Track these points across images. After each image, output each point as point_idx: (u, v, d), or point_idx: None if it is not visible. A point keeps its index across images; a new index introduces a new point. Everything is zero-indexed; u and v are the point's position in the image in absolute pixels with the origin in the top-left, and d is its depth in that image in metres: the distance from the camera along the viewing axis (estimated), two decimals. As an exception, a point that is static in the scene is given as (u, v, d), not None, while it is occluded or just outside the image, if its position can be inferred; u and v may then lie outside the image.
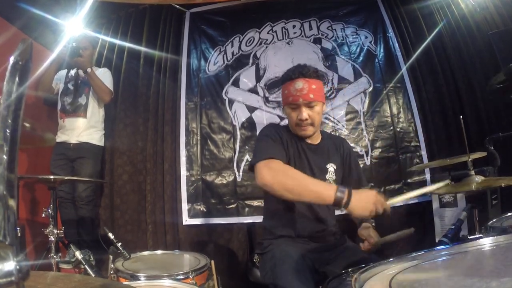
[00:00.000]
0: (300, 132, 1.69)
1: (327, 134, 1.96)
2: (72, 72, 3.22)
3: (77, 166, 3.12)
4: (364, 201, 1.31)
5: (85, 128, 3.17)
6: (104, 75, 3.25)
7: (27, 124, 1.39)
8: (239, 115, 3.49)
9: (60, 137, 3.14)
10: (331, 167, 1.76)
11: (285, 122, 1.90)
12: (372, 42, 3.66)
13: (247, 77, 3.59)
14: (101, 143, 3.31)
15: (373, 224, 1.69)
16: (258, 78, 3.57)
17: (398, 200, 1.50)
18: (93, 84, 3.13)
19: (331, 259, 1.63)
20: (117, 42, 3.70)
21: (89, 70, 3.05)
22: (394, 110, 3.46)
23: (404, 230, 1.48)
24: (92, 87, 3.15)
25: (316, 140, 1.79)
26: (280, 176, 1.42)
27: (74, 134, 3.12)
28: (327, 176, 1.75)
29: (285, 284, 1.41)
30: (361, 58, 3.61)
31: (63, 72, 3.29)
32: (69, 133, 3.12)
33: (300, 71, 1.66)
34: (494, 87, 2.45)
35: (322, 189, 1.36)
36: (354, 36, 3.69)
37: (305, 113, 1.63)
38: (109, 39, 3.71)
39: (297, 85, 1.62)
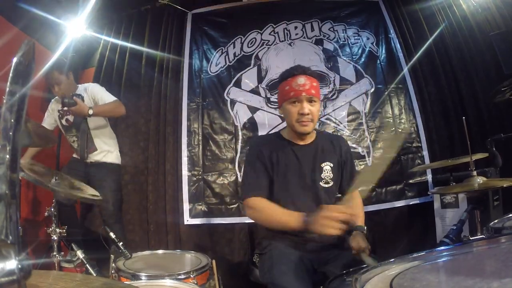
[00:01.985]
0: (300, 128, 1.67)
1: (324, 133, 1.96)
2: (59, 107, 3.02)
3: (95, 184, 2.92)
4: (320, 222, 1.40)
5: (98, 153, 3.07)
6: (97, 93, 3.01)
7: (29, 124, 1.39)
8: (240, 115, 3.50)
9: (76, 155, 3.06)
10: (326, 166, 1.76)
11: (286, 123, 1.89)
12: (374, 43, 3.66)
13: (249, 78, 3.59)
14: (118, 161, 3.21)
15: (364, 231, 1.64)
16: (260, 79, 3.57)
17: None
18: (102, 115, 3.01)
19: (330, 259, 1.63)
20: (119, 43, 3.71)
21: (90, 112, 2.78)
22: (396, 111, 3.46)
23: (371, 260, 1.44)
24: (104, 116, 3.04)
25: (309, 140, 1.79)
26: (258, 215, 1.68)
27: (89, 158, 3.01)
28: (323, 175, 1.74)
29: (282, 284, 1.42)
30: (362, 59, 3.61)
31: (55, 107, 3.08)
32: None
33: (301, 69, 1.69)
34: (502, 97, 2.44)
35: (290, 220, 1.54)
36: (355, 37, 3.69)
37: (307, 108, 1.64)
38: (111, 40, 3.72)
39: (299, 80, 1.64)
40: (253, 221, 1.77)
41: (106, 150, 3.10)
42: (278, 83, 1.77)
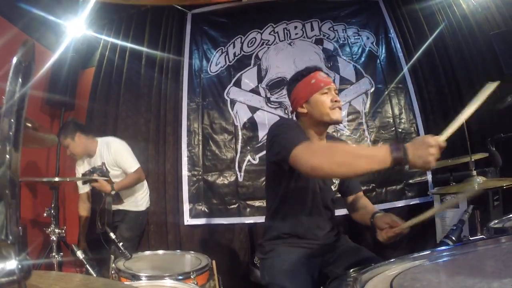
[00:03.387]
0: (335, 115, 1.61)
1: (331, 136, 1.95)
2: (85, 167, 2.97)
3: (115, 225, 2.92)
4: (421, 150, 1.16)
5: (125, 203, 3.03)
6: (120, 157, 2.90)
7: (29, 124, 1.39)
8: (240, 115, 3.50)
9: None
10: None
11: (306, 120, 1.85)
12: (374, 43, 3.66)
13: (249, 78, 3.59)
14: (142, 208, 3.09)
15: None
16: (260, 78, 3.57)
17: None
18: (126, 188, 2.93)
19: (332, 259, 1.63)
20: (119, 43, 3.71)
21: (113, 192, 2.65)
22: (396, 111, 3.46)
23: (446, 202, 1.28)
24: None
25: (323, 138, 1.76)
26: (327, 153, 1.29)
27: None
28: (334, 179, 1.74)
29: None
30: (362, 59, 3.61)
31: (79, 169, 3.02)
32: None
33: (318, 67, 1.72)
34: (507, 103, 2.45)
35: (375, 153, 1.23)
36: (355, 37, 3.69)
37: (338, 97, 1.64)
38: (111, 40, 3.72)
39: (322, 74, 1.68)
40: (316, 169, 1.28)
41: (132, 202, 3.04)
42: (295, 82, 1.71)
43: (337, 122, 1.67)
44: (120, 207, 2.98)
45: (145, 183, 3.14)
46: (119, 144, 2.96)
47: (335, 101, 1.61)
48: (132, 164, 2.91)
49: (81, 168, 2.98)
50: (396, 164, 1.17)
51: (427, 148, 1.15)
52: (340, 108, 1.63)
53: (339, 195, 1.88)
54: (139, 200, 3.07)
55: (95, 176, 2.62)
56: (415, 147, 1.17)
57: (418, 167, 1.18)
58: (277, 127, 1.62)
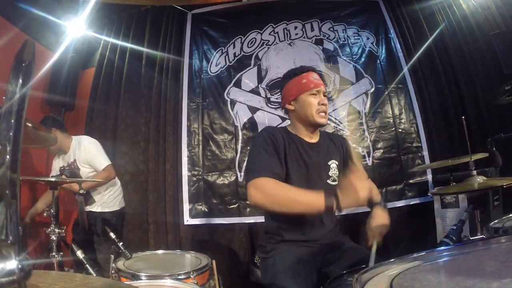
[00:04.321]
0: (319, 119, 1.68)
1: (325, 133, 1.96)
2: (60, 162, 2.98)
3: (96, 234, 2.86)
4: (352, 195, 1.28)
5: (95, 206, 3.00)
6: (92, 156, 2.92)
7: (29, 124, 1.39)
8: (240, 115, 3.50)
9: None
10: (333, 164, 1.76)
11: (287, 123, 1.89)
12: (374, 43, 3.66)
13: (249, 78, 3.60)
14: (115, 207, 3.06)
15: (386, 206, 1.64)
16: (260, 79, 3.57)
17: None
18: (95, 186, 2.93)
19: (333, 259, 1.63)
20: (119, 43, 3.71)
21: (81, 191, 2.50)
22: (396, 111, 3.46)
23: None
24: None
25: (316, 138, 1.79)
26: (269, 195, 1.43)
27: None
28: (330, 173, 1.74)
29: None
30: (362, 59, 3.61)
31: (56, 167, 3.01)
32: None
33: (312, 68, 1.76)
34: (503, 99, 2.45)
35: (312, 201, 1.36)
36: (355, 37, 3.69)
37: (325, 99, 1.70)
38: (111, 40, 3.72)
39: (314, 76, 1.72)
40: (258, 206, 1.46)
41: (104, 202, 3.01)
42: (288, 79, 1.76)
43: (321, 126, 1.74)
44: (94, 208, 2.95)
45: (117, 182, 3.11)
46: (90, 142, 2.98)
47: (322, 104, 1.67)
48: (102, 162, 2.92)
49: (57, 164, 3.01)
50: (328, 211, 1.32)
51: (356, 195, 1.27)
52: (325, 113, 1.69)
53: None
54: (110, 201, 3.02)
55: (63, 177, 2.65)
56: (346, 192, 1.30)
57: (350, 208, 1.34)
58: (253, 144, 1.75)
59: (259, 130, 3.42)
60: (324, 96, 1.70)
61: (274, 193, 1.44)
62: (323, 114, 1.68)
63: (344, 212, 1.49)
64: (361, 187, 1.28)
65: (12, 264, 0.39)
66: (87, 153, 2.92)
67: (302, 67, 1.77)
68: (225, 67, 3.66)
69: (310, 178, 1.68)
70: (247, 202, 3.27)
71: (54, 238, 2.02)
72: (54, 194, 2.16)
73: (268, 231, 1.78)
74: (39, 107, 3.51)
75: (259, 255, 1.80)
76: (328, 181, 1.73)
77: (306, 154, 1.70)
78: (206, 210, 3.31)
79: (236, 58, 3.67)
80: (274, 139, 1.67)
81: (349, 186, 1.29)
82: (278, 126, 3.22)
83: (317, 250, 1.64)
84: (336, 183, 1.74)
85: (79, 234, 2.85)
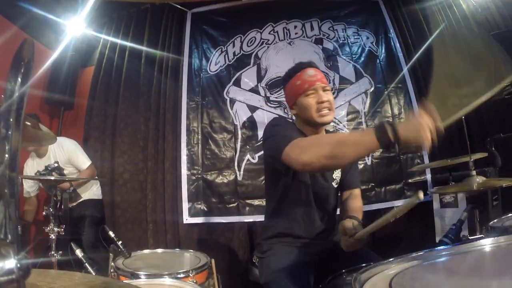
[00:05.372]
0: (321, 119, 1.57)
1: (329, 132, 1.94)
2: (38, 166, 2.97)
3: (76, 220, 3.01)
4: (413, 128, 1.10)
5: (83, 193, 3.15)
6: (73, 155, 3.04)
7: (28, 123, 1.39)
8: (240, 114, 3.49)
9: None
10: None
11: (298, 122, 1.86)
12: (374, 43, 3.66)
13: (248, 77, 3.59)
14: (97, 197, 3.26)
15: (360, 222, 1.50)
16: (260, 78, 3.57)
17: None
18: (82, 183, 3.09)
19: (331, 258, 1.63)
20: (119, 41, 3.70)
21: (71, 189, 2.67)
22: (396, 111, 3.46)
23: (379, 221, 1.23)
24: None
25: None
26: (314, 148, 1.26)
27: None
28: (334, 175, 1.72)
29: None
30: (362, 59, 3.61)
31: (31, 169, 3.01)
32: None
33: (308, 63, 1.67)
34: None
35: (362, 138, 1.20)
36: (355, 37, 3.69)
37: (325, 96, 1.57)
38: (110, 38, 3.72)
39: (309, 72, 1.61)
40: (306, 166, 1.29)
41: (88, 190, 3.17)
42: (284, 83, 1.70)
43: (326, 124, 1.63)
44: (80, 199, 3.07)
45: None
46: (71, 144, 3.09)
47: (321, 102, 1.56)
48: (84, 161, 3.08)
49: (30, 168, 3.00)
50: (386, 145, 1.12)
51: (419, 129, 1.08)
52: (329, 109, 1.57)
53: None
54: (95, 191, 3.23)
55: (54, 175, 2.68)
56: (406, 127, 1.11)
57: (411, 144, 1.12)
58: (269, 127, 1.63)
59: (258, 129, 3.42)
60: (325, 91, 1.59)
61: (318, 143, 1.30)
62: (326, 111, 1.56)
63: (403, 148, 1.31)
64: (426, 117, 1.09)
65: (11, 263, 0.39)
66: (70, 154, 3.03)
67: (294, 68, 1.68)
68: (224, 66, 3.65)
69: (315, 178, 1.65)
70: (246, 201, 3.28)
71: (53, 237, 2.02)
72: (53, 194, 2.15)
73: (265, 230, 1.78)
74: (38, 105, 3.50)
75: (256, 254, 1.80)
76: (333, 183, 1.71)
77: None
78: (205, 209, 3.31)
79: (235, 57, 3.67)
80: (292, 125, 1.66)
81: (413, 120, 1.11)
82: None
83: (314, 249, 1.64)
84: (338, 185, 1.73)
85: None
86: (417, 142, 1.09)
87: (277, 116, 3.41)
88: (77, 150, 3.09)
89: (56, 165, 2.82)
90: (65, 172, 2.90)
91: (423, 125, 1.07)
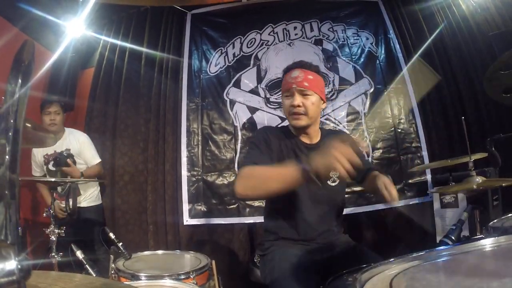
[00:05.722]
0: (292, 121, 1.63)
1: (329, 131, 1.93)
2: (47, 149, 2.96)
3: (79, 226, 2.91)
4: (324, 161, 1.17)
5: (83, 200, 3.05)
6: (86, 150, 3.06)
7: (28, 124, 1.39)
8: (240, 116, 3.50)
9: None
10: None
11: (286, 123, 1.89)
12: (373, 44, 3.66)
13: (248, 78, 3.60)
14: (99, 201, 3.21)
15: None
16: (259, 79, 3.57)
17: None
18: (91, 177, 3.05)
19: (333, 259, 1.62)
20: (119, 43, 3.71)
21: (81, 178, 2.85)
22: (395, 111, 3.46)
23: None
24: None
25: (315, 138, 1.74)
26: (246, 180, 1.42)
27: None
28: (330, 173, 1.72)
29: (285, 286, 1.41)
30: (362, 59, 3.61)
31: (39, 155, 3.01)
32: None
33: (299, 63, 1.68)
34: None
35: (284, 171, 1.29)
36: (355, 38, 3.69)
37: (298, 100, 1.59)
38: (110, 40, 3.72)
39: (293, 73, 1.63)
40: (240, 195, 1.40)
41: (88, 195, 3.10)
42: (280, 82, 1.75)
43: (298, 128, 1.66)
44: (81, 204, 2.98)
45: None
46: (84, 136, 3.13)
47: (292, 105, 1.59)
48: (95, 156, 3.10)
49: (39, 150, 2.98)
50: (307, 176, 1.20)
51: (330, 162, 1.15)
52: (300, 113, 1.60)
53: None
54: (95, 195, 3.15)
55: (69, 161, 2.79)
56: (318, 159, 1.19)
57: (322, 172, 1.19)
58: (249, 139, 1.71)
59: (258, 130, 3.42)
60: (304, 94, 1.60)
61: (249, 175, 1.42)
62: (296, 115, 1.60)
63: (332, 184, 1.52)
64: (337, 147, 1.15)
65: (11, 264, 0.39)
66: (83, 146, 3.03)
67: (291, 64, 1.70)
68: (224, 67, 3.66)
69: (309, 181, 1.66)
70: (247, 202, 3.27)
71: (54, 238, 2.02)
72: (53, 195, 2.15)
73: (266, 229, 1.78)
74: (38, 107, 3.50)
75: (258, 253, 1.80)
76: (329, 182, 1.71)
77: (304, 156, 1.65)
78: (206, 210, 3.31)
79: (235, 58, 3.67)
80: (268, 138, 1.66)
81: (326, 147, 1.18)
82: (279, 126, 3.22)
83: (315, 249, 1.64)
84: (336, 183, 1.73)
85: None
86: (329, 172, 1.18)
87: (277, 117, 3.42)
88: (90, 144, 3.12)
89: (68, 153, 2.87)
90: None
91: (335, 157, 1.14)
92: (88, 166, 3.04)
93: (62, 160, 2.78)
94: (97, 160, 3.11)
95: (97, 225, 3.07)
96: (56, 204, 2.71)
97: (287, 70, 1.69)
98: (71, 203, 2.58)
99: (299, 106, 1.59)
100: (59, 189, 2.83)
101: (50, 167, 2.95)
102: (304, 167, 1.20)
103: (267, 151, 1.61)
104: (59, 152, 2.87)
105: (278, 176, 1.32)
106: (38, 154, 2.98)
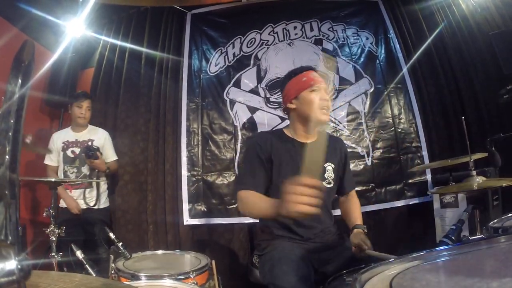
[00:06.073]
0: (323, 116, 1.66)
1: (325, 134, 1.94)
2: (68, 137, 3.03)
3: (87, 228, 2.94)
4: (281, 206, 1.20)
5: (93, 196, 3.02)
6: (108, 146, 3.14)
7: (27, 141, 1.39)
8: (240, 115, 3.50)
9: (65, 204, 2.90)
10: (329, 166, 1.76)
11: (286, 123, 1.89)
12: (373, 43, 3.66)
13: (248, 78, 3.60)
14: (107, 204, 3.17)
15: (365, 230, 1.71)
16: (259, 79, 3.57)
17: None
18: (113, 172, 3.20)
19: (330, 259, 1.63)
20: (119, 43, 3.71)
21: (107, 171, 3.02)
22: (395, 111, 3.46)
23: (385, 254, 1.45)
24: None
25: (312, 138, 1.77)
26: (243, 205, 1.60)
27: (81, 202, 2.95)
28: (326, 175, 1.74)
29: (283, 285, 1.41)
30: (362, 59, 3.61)
31: (59, 141, 3.01)
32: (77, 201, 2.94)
33: (312, 67, 1.77)
34: (502, 99, 2.46)
35: (267, 206, 1.40)
36: (355, 37, 3.69)
37: (327, 96, 1.68)
38: (110, 40, 3.72)
39: (315, 74, 1.72)
40: (243, 214, 1.72)
41: (98, 195, 3.06)
42: (288, 79, 1.77)
43: (322, 123, 1.72)
44: (90, 204, 2.98)
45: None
46: (107, 134, 3.19)
47: (324, 99, 1.65)
48: (114, 153, 3.19)
49: (59, 136, 3.02)
50: (279, 214, 1.25)
51: (287, 207, 1.15)
52: (327, 109, 1.67)
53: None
54: (105, 198, 3.13)
55: (98, 154, 2.87)
56: (279, 204, 1.22)
57: (287, 215, 1.19)
58: (243, 154, 1.76)
59: (258, 130, 3.42)
60: (327, 93, 1.69)
61: (247, 202, 1.59)
62: (326, 110, 1.67)
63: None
64: (289, 191, 1.15)
65: (11, 264, 0.39)
66: (105, 142, 3.12)
67: (302, 67, 1.77)
68: (224, 67, 3.66)
69: None
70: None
71: (54, 238, 2.02)
72: (53, 195, 2.15)
73: (263, 230, 1.79)
74: (38, 107, 3.50)
75: (256, 253, 1.80)
76: (324, 183, 1.72)
77: (299, 156, 1.66)
78: (206, 210, 3.31)
79: (235, 58, 3.67)
80: (259, 148, 1.70)
81: (287, 191, 1.16)
82: (274, 129, 3.23)
83: (312, 248, 1.65)
84: (330, 186, 1.75)
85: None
86: (286, 211, 1.16)
87: (277, 117, 3.41)
88: (111, 141, 3.19)
89: (96, 146, 2.94)
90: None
91: (292, 201, 1.13)
92: (106, 162, 3.07)
93: (93, 153, 2.84)
94: (115, 157, 3.19)
95: (106, 223, 3.07)
96: (70, 199, 2.83)
97: (303, 70, 1.75)
98: (95, 195, 2.94)
99: (328, 101, 1.68)
100: (73, 175, 2.94)
101: (69, 153, 2.98)
102: (278, 209, 1.24)
103: (259, 164, 1.68)
104: (88, 146, 2.92)
105: (264, 209, 1.44)
106: (59, 140, 3.00)
